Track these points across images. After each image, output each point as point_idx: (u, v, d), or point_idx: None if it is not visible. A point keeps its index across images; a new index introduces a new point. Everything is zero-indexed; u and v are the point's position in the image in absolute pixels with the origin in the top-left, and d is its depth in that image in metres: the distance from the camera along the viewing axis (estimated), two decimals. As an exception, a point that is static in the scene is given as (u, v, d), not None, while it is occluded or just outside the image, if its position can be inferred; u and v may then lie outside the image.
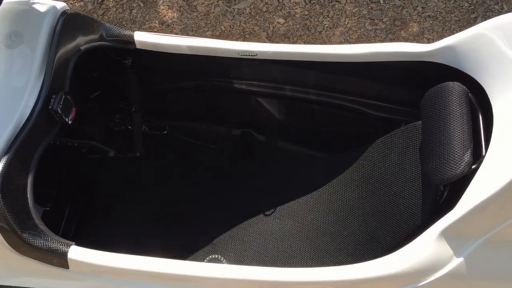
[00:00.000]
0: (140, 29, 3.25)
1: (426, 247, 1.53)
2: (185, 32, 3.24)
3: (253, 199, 2.26)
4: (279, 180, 2.29)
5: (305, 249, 2.07)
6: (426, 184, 1.72)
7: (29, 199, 1.64)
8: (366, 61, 1.97)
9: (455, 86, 1.70)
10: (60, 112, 1.74)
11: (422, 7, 3.22)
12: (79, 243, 1.68)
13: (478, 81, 1.70)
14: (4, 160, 1.58)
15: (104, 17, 3.29)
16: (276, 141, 2.44)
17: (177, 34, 3.22)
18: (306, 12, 3.24)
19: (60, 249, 1.64)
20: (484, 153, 1.55)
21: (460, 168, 1.54)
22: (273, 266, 1.88)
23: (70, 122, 1.81)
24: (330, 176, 2.16)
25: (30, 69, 1.73)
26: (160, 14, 3.29)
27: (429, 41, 3.11)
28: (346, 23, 3.20)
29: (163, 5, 3.31)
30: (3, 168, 1.57)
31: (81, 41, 1.91)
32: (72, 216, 2.28)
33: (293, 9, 3.25)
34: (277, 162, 2.36)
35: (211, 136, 2.46)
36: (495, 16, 1.78)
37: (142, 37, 2.04)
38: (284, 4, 3.27)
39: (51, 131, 1.76)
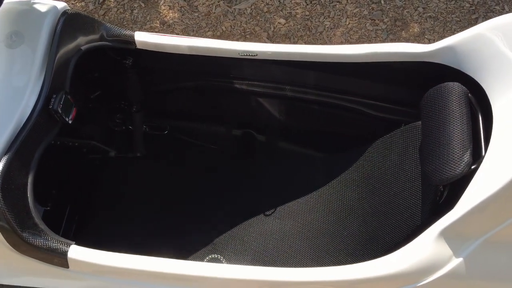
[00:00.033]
0: (141, 29, 3.25)
1: (426, 247, 1.53)
2: (186, 32, 3.24)
3: (253, 199, 2.26)
4: (279, 180, 2.29)
5: (305, 249, 2.07)
6: (426, 185, 1.72)
7: (29, 199, 1.65)
8: (366, 62, 1.97)
9: (455, 87, 1.70)
10: (60, 111, 1.75)
11: (423, 8, 3.22)
12: (79, 243, 1.68)
13: (478, 81, 1.70)
14: (4, 159, 1.58)
15: (105, 17, 3.30)
16: (277, 141, 2.44)
17: (178, 34, 3.22)
18: (307, 13, 3.24)
19: (60, 248, 1.64)
20: (483, 154, 1.55)
21: (460, 169, 1.54)
22: (273, 266, 1.88)
23: (70, 122, 1.82)
24: (330, 176, 2.16)
25: (31, 69, 1.73)
26: (161, 14, 3.30)
27: (430, 41, 3.11)
28: (347, 23, 3.21)
29: (164, 6, 3.32)
30: (4, 167, 1.57)
31: (82, 41, 1.91)
32: (72, 215, 2.28)
33: (294, 10, 3.26)
34: (277, 162, 2.36)
35: (211, 136, 2.47)
36: (496, 16, 1.78)
37: (143, 37, 2.04)
38: (285, 5, 3.27)
39: (51, 131, 1.76)
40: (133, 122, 2.38)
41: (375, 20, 3.20)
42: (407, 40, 3.13)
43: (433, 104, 1.72)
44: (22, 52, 1.75)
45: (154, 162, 2.45)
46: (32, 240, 1.61)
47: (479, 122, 1.63)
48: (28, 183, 1.65)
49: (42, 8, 1.82)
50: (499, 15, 2.78)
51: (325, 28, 3.20)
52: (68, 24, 1.83)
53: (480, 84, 1.69)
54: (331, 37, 3.17)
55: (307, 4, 3.26)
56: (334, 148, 2.27)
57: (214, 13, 3.28)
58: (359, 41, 3.15)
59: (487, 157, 1.53)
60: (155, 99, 2.36)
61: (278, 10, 3.26)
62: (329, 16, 3.23)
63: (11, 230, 1.58)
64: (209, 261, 2.10)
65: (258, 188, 2.30)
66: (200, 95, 2.33)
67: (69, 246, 1.65)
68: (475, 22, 3.14)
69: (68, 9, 1.88)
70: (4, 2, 1.78)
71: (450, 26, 3.16)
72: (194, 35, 3.22)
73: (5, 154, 1.59)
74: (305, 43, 3.16)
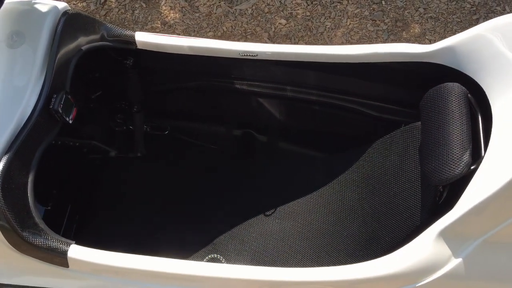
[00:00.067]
0: (142, 29, 3.26)
1: (425, 247, 1.53)
2: (187, 32, 3.24)
3: (254, 199, 2.26)
4: (280, 180, 2.30)
5: (305, 249, 2.07)
6: (426, 185, 1.72)
7: (29, 198, 1.65)
8: (366, 62, 1.97)
9: (455, 87, 1.70)
10: (61, 111, 1.75)
11: (424, 8, 3.22)
12: (80, 242, 1.68)
13: (478, 82, 1.70)
14: (4, 159, 1.59)
15: (107, 17, 3.30)
16: (277, 142, 2.44)
17: (179, 34, 3.23)
18: (308, 13, 3.25)
19: (60, 248, 1.64)
20: (483, 154, 1.55)
21: (459, 169, 1.54)
22: (273, 266, 1.89)
23: (71, 122, 1.82)
24: (330, 177, 2.16)
25: (31, 68, 1.73)
26: (162, 14, 3.30)
27: (430, 42, 3.11)
28: (348, 24, 3.21)
29: (165, 6, 3.32)
30: (4, 167, 1.57)
31: (82, 41, 1.92)
32: (73, 215, 2.28)
33: (295, 10, 3.26)
34: (277, 162, 2.36)
35: (211, 136, 2.47)
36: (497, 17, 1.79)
37: (143, 37, 2.05)
38: (286, 5, 3.27)
39: (52, 131, 1.76)
40: (133, 122, 2.38)
41: (376, 20, 3.20)
42: (408, 40, 3.14)
43: (433, 105, 1.72)
44: (23, 52, 1.76)
45: (154, 162, 2.45)
46: (32, 240, 1.61)
47: (479, 123, 1.63)
48: (29, 182, 1.66)
49: (43, 8, 1.82)
50: (500, 15, 2.78)
51: (326, 29, 3.20)
52: (68, 24, 1.84)
53: (480, 84, 1.69)
54: (332, 38, 3.18)
55: (308, 5, 3.27)
56: (334, 149, 2.27)
57: (215, 13, 3.28)
58: (360, 41, 3.15)
59: (487, 158, 1.53)
60: (155, 99, 2.36)
61: (279, 11, 3.26)
62: (330, 16, 3.23)
63: (11, 230, 1.58)
64: (208, 261, 2.10)
65: (258, 188, 2.30)
66: (200, 95, 2.33)
67: (69, 246, 1.65)
68: (476, 22, 3.14)
69: (69, 9, 1.89)
70: (5, 2, 1.78)
71: (451, 26, 3.16)
72: (195, 36, 3.22)
73: (5, 154, 1.60)
74: (306, 43, 3.17)
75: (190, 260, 2.05)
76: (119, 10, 3.33)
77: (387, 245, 1.80)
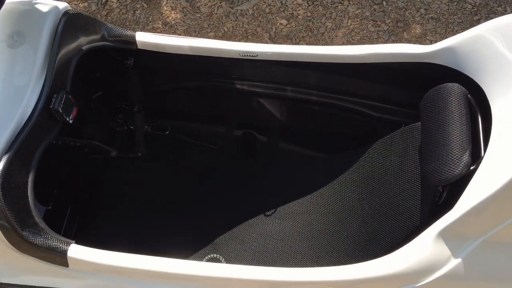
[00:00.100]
0: (143, 30, 3.26)
1: (425, 247, 1.54)
2: (188, 33, 3.25)
3: (254, 199, 2.26)
4: (280, 180, 2.30)
5: (305, 249, 2.07)
6: (425, 185, 1.72)
7: (29, 198, 1.65)
8: (367, 62, 1.97)
9: (454, 87, 1.70)
10: (61, 111, 1.75)
11: (425, 9, 3.22)
12: (80, 242, 1.69)
13: (478, 82, 1.70)
14: (5, 158, 1.59)
15: (108, 17, 3.31)
16: (277, 142, 2.44)
17: (180, 35, 3.23)
18: (309, 14, 3.25)
19: (60, 247, 1.65)
20: (482, 154, 1.55)
21: (459, 169, 1.54)
22: (273, 266, 1.89)
23: (71, 122, 1.82)
24: (331, 177, 2.17)
25: (32, 68, 1.74)
26: (163, 15, 3.31)
27: (431, 42, 3.11)
28: (349, 24, 3.21)
29: (166, 6, 3.33)
30: (4, 166, 1.58)
31: (83, 41, 1.92)
32: (74, 215, 2.29)
33: (295, 11, 3.26)
34: (277, 162, 2.37)
35: (212, 137, 2.47)
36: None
37: (144, 38, 2.05)
38: (287, 6, 3.28)
39: (52, 130, 1.77)
40: (134, 122, 2.39)
41: (377, 21, 3.20)
42: (409, 41, 3.13)
43: (433, 105, 1.72)
44: (24, 52, 1.76)
45: (155, 162, 2.46)
46: (32, 239, 1.61)
47: (479, 123, 1.63)
48: (29, 182, 1.66)
49: (44, 8, 1.83)
50: (501, 16, 2.78)
51: (327, 29, 3.20)
52: (69, 24, 1.84)
53: (480, 85, 1.69)
54: (332, 38, 3.18)
55: (309, 5, 3.27)
56: (334, 149, 2.28)
57: (216, 14, 3.29)
58: (361, 42, 3.15)
59: (486, 158, 1.53)
60: (156, 99, 2.36)
61: (280, 11, 3.27)
62: (331, 17, 3.23)
63: (11, 229, 1.58)
64: (208, 260, 2.10)
65: (258, 188, 2.30)
66: (201, 96, 2.33)
67: (69, 245, 1.65)
68: (477, 23, 3.14)
69: (70, 9, 1.89)
70: (5, 2, 1.78)
71: (452, 27, 3.16)
72: (196, 36, 3.22)
73: (5, 153, 1.60)
74: (307, 44, 3.17)
75: (190, 260, 2.05)
76: (120, 11, 3.33)
77: (387, 245, 1.80)
